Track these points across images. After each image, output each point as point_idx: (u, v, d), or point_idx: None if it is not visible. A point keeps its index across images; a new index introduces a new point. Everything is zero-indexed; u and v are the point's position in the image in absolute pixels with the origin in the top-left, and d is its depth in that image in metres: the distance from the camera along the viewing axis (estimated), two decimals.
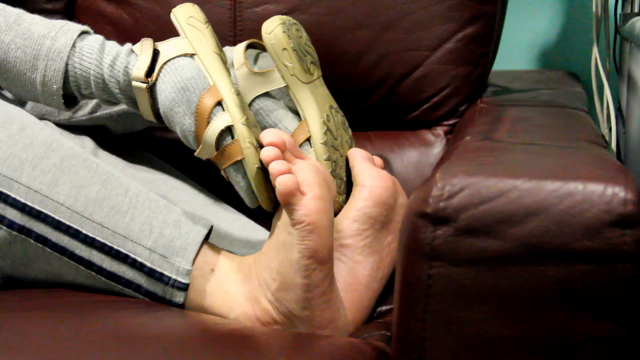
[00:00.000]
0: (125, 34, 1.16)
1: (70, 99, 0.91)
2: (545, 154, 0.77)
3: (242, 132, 0.81)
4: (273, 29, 0.95)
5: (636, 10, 1.18)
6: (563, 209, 0.62)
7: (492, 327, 0.64)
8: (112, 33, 1.17)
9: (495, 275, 0.64)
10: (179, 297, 0.81)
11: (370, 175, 0.92)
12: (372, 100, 1.13)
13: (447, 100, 1.12)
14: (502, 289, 0.64)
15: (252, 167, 0.81)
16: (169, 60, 0.85)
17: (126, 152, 1.02)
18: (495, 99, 1.12)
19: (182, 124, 0.83)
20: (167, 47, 0.87)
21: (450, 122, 1.13)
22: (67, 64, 0.87)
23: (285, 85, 0.96)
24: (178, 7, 0.90)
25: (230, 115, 0.82)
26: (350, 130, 1.02)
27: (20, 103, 1.03)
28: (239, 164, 0.82)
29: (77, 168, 0.82)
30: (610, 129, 1.20)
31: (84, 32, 0.89)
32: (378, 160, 1.00)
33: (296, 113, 0.98)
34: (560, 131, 0.91)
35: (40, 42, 0.87)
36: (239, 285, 0.81)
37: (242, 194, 0.84)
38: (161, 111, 0.85)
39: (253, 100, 0.98)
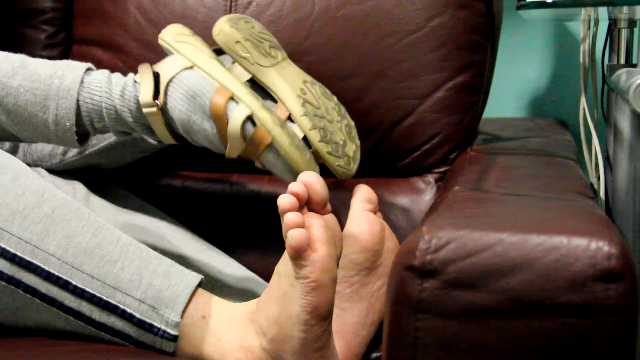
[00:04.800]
0: None
1: (82, 136, 0.92)
2: (532, 206, 0.77)
3: (263, 115, 0.82)
4: (221, 27, 0.97)
5: (622, 61, 1.20)
6: (548, 262, 0.63)
7: None
8: None
9: (482, 328, 0.64)
10: (168, 347, 0.81)
11: (358, 220, 0.91)
12: (364, 147, 1.14)
13: (437, 148, 1.13)
14: (488, 342, 0.64)
15: (284, 144, 0.82)
16: (172, 78, 0.87)
17: (118, 199, 1.03)
18: (486, 147, 1.13)
19: (203, 130, 0.84)
20: (165, 67, 0.88)
21: (441, 169, 1.14)
22: (77, 100, 0.89)
23: (250, 77, 0.97)
24: (163, 30, 0.92)
25: (246, 104, 0.83)
26: (335, 97, 1.02)
27: (12, 151, 1.03)
28: (271, 146, 0.83)
29: (68, 217, 0.82)
30: (598, 178, 1.21)
31: (88, 69, 0.91)
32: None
33: (274, 100, 0.99)
34: (548, 181, 0.91)
35: (48, 82, 0.89)
36: (231, 333, 0.81)
37: (282, 175, 0.83)
38: (179, 127, 0.86)
39: None
